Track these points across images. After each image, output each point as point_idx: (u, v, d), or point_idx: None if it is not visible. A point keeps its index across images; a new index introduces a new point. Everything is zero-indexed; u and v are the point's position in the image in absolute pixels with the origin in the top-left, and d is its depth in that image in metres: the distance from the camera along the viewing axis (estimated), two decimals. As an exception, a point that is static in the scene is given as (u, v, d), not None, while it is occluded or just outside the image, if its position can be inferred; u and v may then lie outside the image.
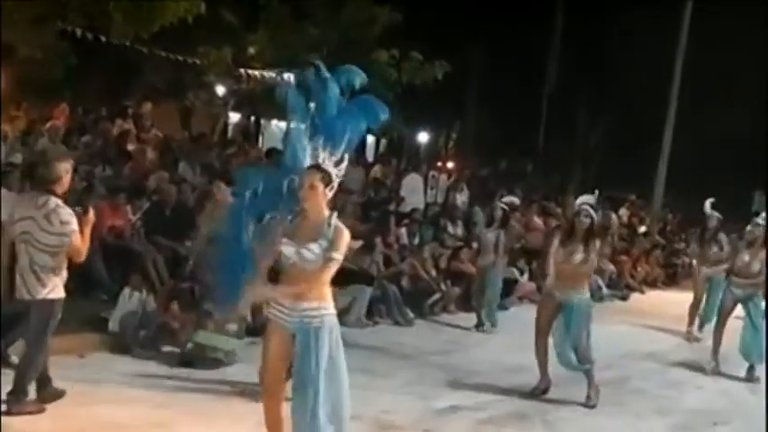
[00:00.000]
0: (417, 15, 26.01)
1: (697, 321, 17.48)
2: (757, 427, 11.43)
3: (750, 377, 14.30)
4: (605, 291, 21.69)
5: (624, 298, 21.93)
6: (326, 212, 7.20)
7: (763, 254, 14.23)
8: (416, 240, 18.38)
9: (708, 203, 17.58)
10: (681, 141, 31.41)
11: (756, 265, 14.23)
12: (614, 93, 36.38)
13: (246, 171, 8.45)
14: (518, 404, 11.33)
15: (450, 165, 34.24)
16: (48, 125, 16.99)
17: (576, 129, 40.49)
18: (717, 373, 14.41)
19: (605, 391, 12.59)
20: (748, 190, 22.92)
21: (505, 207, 16.19)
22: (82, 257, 8.86)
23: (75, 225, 8.60)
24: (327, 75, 7.37)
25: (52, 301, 8.68)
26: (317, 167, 7.18)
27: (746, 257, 14.34)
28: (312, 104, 7.36)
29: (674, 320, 17.65)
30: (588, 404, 11.61)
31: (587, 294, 11.87)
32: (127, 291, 12.06)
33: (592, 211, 11.73)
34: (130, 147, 17.46)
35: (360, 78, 7.48)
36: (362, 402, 10.33)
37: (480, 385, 11.75)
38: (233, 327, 11.45)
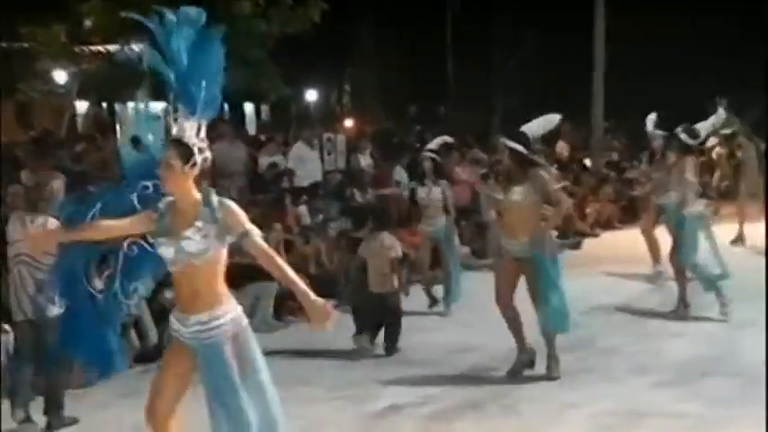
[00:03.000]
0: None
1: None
2: (752, 371, 11.56)
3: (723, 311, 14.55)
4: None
5: (576, 246, 21.96)
6: (197, 193, 7.04)
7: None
8: (320, 218, 18.27)
9: (650, 120, 17.66)
10: (616, 51, 31.62)
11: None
12: (530, 14, 36.66)
13: (72, 202, 7.98)
14: (469, 391, 11.32)
15: (348, 123, 34.23)
16: None
17: (491, 53, 40.63)
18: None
19: (569, 357, 12.66)
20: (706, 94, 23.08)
21: (435, 156, 15.87)
22: None
23: None
24: (172, 19, 7.11)
25: None
26: (171, 142, 7.03)
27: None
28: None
29: (638, 262, 17.73)
30: (552, 376, 11.66)
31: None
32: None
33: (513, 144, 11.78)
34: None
35: (201, 15, 7.18)
36: (289, 416, 10.27)
37: (422, 376, 11.79)
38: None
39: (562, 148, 29.16)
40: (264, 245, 7.10)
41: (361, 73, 42.08)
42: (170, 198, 7.09)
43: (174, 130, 7.04)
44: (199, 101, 7.05)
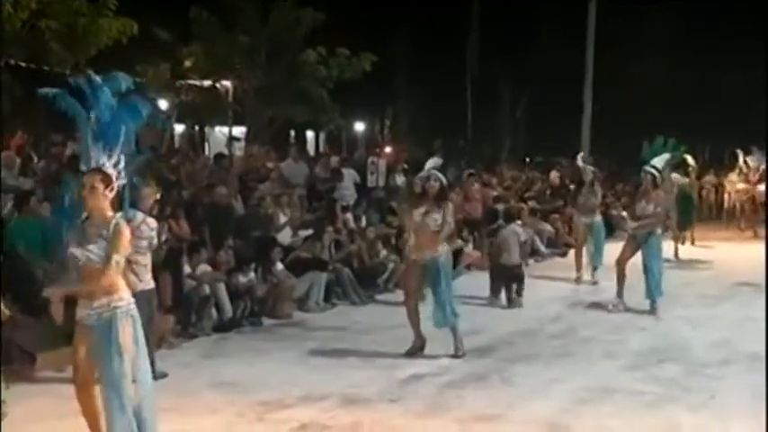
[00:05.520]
0: (341, 14, 25.93)
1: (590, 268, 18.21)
2: (698, 360, 11.65)
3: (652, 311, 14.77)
4: (544, 249, 21.77)
5: (564, 254, 21.94)
6: (110, 213, 7.13)
7: (656, 197, 14.90)
8: (363, 224, 18.31)
9: (579, 157, 19.46)
10: (601, 102, 31.64)
11: (649, 208, 14.82)
12: (534, 66, 36.67)
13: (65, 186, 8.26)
14: (476, 365, 11.31)
15: (387, 150, 34.22)
16: (3, 155, 16.75)
17: (501, 103, 40.66)
18: (622, 310, 14.94)
19: (556, 342, 12.82)
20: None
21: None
22: None
23: None
24: (98, 81, 7.29)
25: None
26: (96, 170, 7.11)
27: (642, 203, 14.93)
28: (92, 112, 7.24)
29: (610, 270, 17.65)
30: (458, 355, 11.63)
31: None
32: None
33: (440, 176, 11.81)
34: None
35: (125, 82, 7.40)
36: (329, 381, 10.40)
37: (439, 352, 11.67)
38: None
39: (554, 176, 29.17)
40: (112, 267, 7.04)
41: (398, 111, 42.07)
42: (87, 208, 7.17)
43: (101, 161, 7.14)
44: (118, 145, 7.21)
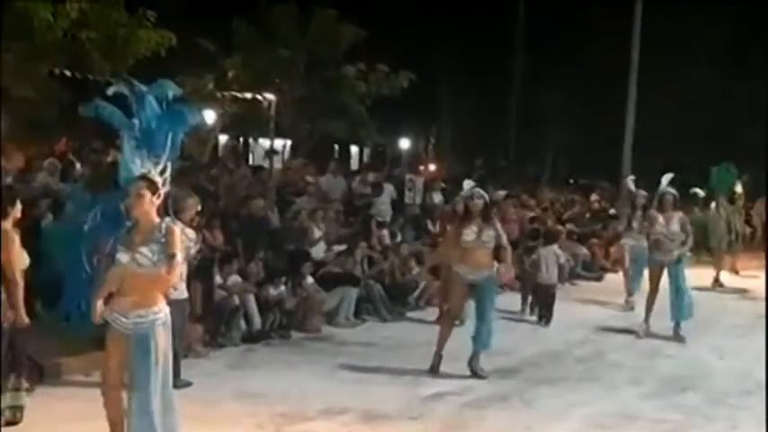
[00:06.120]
0: (385, 30, 26.14)
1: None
2: (722, 390, 11.60)
3: (677, 336, 14.72)
4: (581, 272, 21.63)
5: (599, 279, 21.90)
6: (157, 219, 7.23)
7: (677, 217, 14.83)
8: (398, 240, 18.37)
9: (630, 181, 18.85)
10: (642, 127, 31.49)
11: (673, 227, 14.74)
12: (576, 88, 36.60)
13: (81, 200, 8.22)
14: (499, 385, 11.37)
15: (431, 167, 34.28)
16: (47, 162, 17.01)
17: (545, 123, 40.59)
18: (648, 335, 14.84)
19: (582, 366, 12.79)
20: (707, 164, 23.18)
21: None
22: None
23: None
24: (142, 89, 7.40)
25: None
26: (142, 177, 7.21)
27: (662, 222, 14.78)
28: (135, 119, 7.34)
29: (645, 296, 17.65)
30: (484, 375, 11.70)
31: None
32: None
33: (484, 194, 11.96)
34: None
35: (172, 89, 7.49)
36: (352, 396, 10.48)
37: (464, 371, 11.72)
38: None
39: (594, 199, 29.09)
40: (172, 267, 7.19)
41: (442, 128, 42.13)
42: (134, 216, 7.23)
43: (146, 169, 7.26)
44: (164, 152, 7.34)
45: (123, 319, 7.15)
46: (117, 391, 7.32)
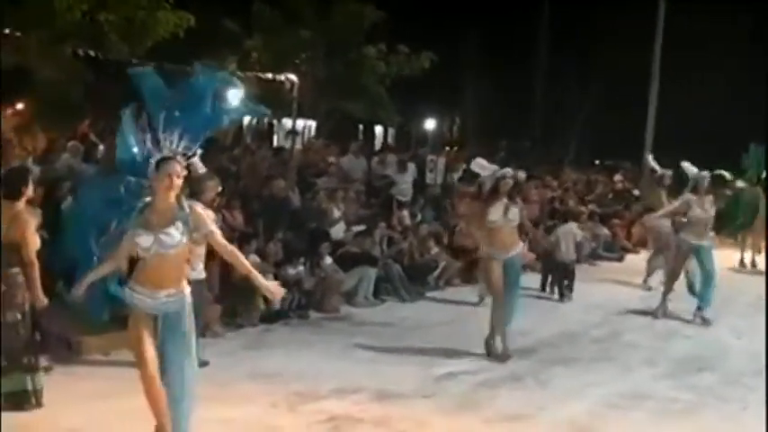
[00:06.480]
0: (406, 12, 26.18)
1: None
2: (737, 370, 11.65)
3: (701, 317, 14.62)
4: (602, 253, 21.59)
5: (620, 259, 21.87)
6: (173, 200, 7.15)
7: (709, 200, 14.66)
8: (418, 220, 18.41)
9: (651, 159, 19.33)
10: (665, 108, 31.33)
11: (711, 211, 14.66)
12: (601, 68, 36.51)
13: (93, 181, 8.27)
14: (513, 366, 11.40)
15: (455, 149, 34.29)
16: (70, 143, 17.11)
17: (570, 104, 40.50)
18: (666, 315, 14.84)
19: (598, 347, 12.85)
20: (730, 147, 23.05)
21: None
22: None
23: None
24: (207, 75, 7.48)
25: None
26: (176, 159, 7.12)
27: (698, 204, 14.59)
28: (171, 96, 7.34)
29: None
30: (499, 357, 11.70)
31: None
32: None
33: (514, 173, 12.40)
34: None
35: (226, 80, 7.65)
36: (366, 375, 10.56)
37: (478, 352, 11.76)
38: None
39: (618, 180, 29.03)
40: (224, 241, 7.32)
41: (466, 109, 42.13)
42: (148, 199, 7.16)
43: (169, 150, 7.15)
44: (200, 138, 7.35)
45: (150, 301, 7.15)
46: (157, 378, 7.21)
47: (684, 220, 14.77)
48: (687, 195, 14.83)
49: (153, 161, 7.11)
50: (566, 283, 16.37)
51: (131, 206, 7.19)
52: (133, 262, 7.29)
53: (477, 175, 12.43)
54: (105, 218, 7.37)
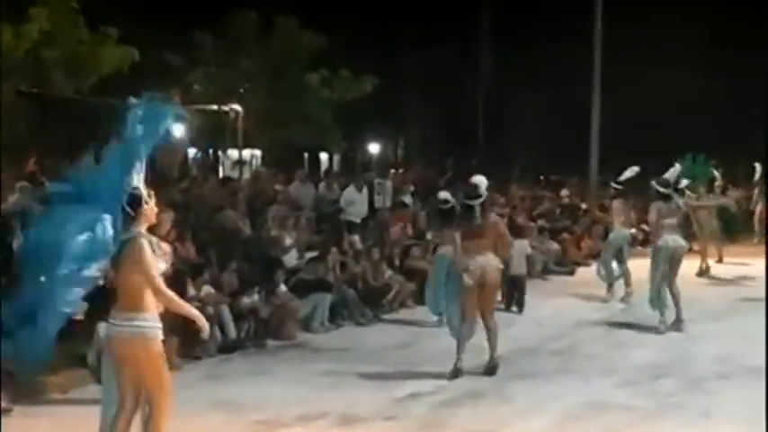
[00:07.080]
0: (347, 37, 26.26)
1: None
2: (698, 375, 11.75)
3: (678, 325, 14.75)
4: (552, 267, 21.69)
5: (571, 273, 21.95)
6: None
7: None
8: (369, 244, 18.38)
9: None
10: (608, 123, 31.61)
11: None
12: (542, 84, 36.82)
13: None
14: (474, 383, 11.40)
15: (401, 171, 34.34)
16: (19, 184, 16.88)
17: (513, 121, 40.78)
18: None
19: (558, 359, 12.86)
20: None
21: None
22: None
23: None
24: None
25: None
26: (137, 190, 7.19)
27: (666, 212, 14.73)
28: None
29: (619, 287, 17.78)
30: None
31: None
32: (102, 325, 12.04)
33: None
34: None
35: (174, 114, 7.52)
36: (328, 400, 10.51)
37: (438, 371, 11.75)
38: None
39: (564, 194, 29.22)
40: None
41: (410, 131, 42.33)
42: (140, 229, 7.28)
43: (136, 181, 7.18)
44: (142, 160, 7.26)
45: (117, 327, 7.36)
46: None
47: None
48: (657, 203, 14.91)
49: (142, 192, 7.20)
50: (516, 296, 16.66)
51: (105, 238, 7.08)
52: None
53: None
54: (63, 251, 7.22)
